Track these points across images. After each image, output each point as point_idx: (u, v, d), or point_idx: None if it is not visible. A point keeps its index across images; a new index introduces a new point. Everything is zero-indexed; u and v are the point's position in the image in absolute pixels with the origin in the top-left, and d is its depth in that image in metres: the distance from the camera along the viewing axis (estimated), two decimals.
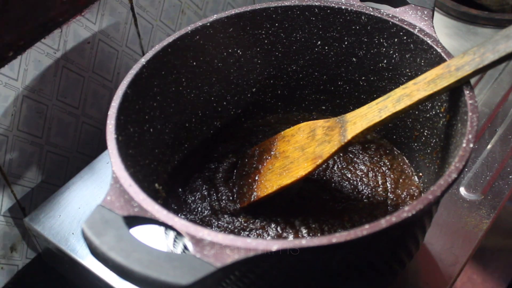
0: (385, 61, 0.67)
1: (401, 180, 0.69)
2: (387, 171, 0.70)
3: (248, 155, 0.71)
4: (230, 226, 0.65)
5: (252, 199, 0.66)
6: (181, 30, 0.66)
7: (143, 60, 0.62)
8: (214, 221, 0.66)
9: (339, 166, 0.71)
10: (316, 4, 0.68)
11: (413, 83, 0.59)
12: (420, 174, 0.68)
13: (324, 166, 0.71)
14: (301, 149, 0.65)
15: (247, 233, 0.65)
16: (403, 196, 0.67)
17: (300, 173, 0.63)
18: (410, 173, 0.69)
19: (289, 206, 0.67)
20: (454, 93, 0.58)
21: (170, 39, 0.64)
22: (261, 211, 0.66)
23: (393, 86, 0.68)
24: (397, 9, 0.65)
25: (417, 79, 0.59)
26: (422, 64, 0.63)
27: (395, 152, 0.71)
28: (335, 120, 0.64)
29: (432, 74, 0.58)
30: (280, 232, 0.64)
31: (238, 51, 0.70)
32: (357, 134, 0.60)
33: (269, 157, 0.68)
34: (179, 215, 0.67)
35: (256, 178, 0.67)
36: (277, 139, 0.69)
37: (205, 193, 0.69)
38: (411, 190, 0.67)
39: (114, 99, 0.58)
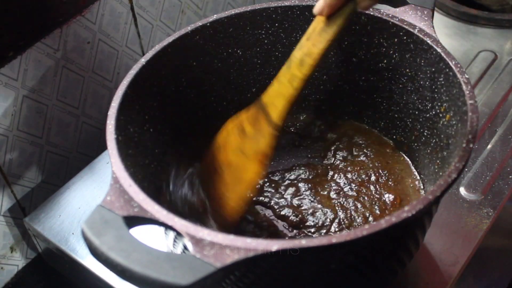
0: (385, 61, 0.67)
1: (401, 180, 0.69)
2: (387, 171, 0.70)
3: (199, 177, 0.66)
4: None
5: (232, 220, 0.61)
6: (181, 30, 0.66)
7: (143, 60, 0.62)
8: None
9: (340, 166, 0.71)
10: None
11: (306, 39, 0.57)
12: (420, 174, 0.68)
13: (324, 166, 0.71)
14: (240, 151, 0.61)
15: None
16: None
17: (251, 176, 0.60)
18: (410, 173, 0.69)
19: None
20: (454, 93, 0.58)
21: (170, 39, 0.64)
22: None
23: (393, 86, 0.68)
24: (397, 9, 0.65)
25: (307, 33, 0.57)
26: (422, 64, 0.63)
27: (396, 152, 0.71)
28: (255, 108, 0.61)
29: (319, 22, 0.56)
30: (287, 227, 0.65)
31: (238, 51, 0.70)
32: (282, 114, 0.58)
33: (215, 175, 0.63)
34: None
35: (218, 200, 0.62)
36: (213, 152, 0.64)
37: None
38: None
39: (114, 99, 0.58)
